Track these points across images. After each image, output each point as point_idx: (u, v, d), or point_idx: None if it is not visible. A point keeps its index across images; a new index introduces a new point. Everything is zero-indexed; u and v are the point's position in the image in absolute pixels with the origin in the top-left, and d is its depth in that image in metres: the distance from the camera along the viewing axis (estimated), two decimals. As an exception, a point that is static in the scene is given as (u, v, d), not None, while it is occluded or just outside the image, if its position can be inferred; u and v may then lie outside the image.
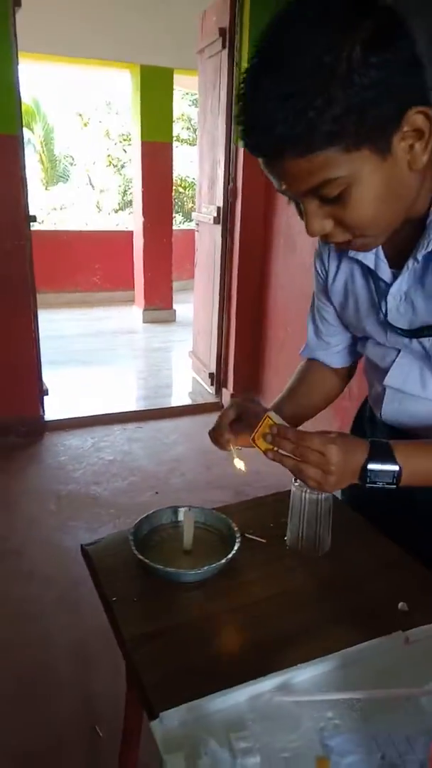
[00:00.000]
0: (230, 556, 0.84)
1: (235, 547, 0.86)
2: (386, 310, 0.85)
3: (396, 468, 0.75)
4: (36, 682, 1.69)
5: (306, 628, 0.77)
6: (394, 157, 0.66)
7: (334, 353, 1.06)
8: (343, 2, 0.61)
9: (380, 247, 0.83)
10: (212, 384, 3.82)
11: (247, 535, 0.95)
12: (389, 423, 0.96)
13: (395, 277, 0.82)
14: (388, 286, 0.84)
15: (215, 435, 0.94)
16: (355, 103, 0.60)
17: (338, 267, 0.94)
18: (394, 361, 0.90)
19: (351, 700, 0.65)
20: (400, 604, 0.81)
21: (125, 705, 1.05)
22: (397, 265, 0.82)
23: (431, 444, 0.80)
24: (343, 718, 0.63)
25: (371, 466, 0.75)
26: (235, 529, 0.91)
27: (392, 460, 0.75)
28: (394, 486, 0.76)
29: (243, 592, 0.84)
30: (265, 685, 0.67)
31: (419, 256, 0.77)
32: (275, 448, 0.78)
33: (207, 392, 3.90)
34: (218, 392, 3.81)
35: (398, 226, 0.74)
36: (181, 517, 0.96)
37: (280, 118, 0.61)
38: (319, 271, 0.98)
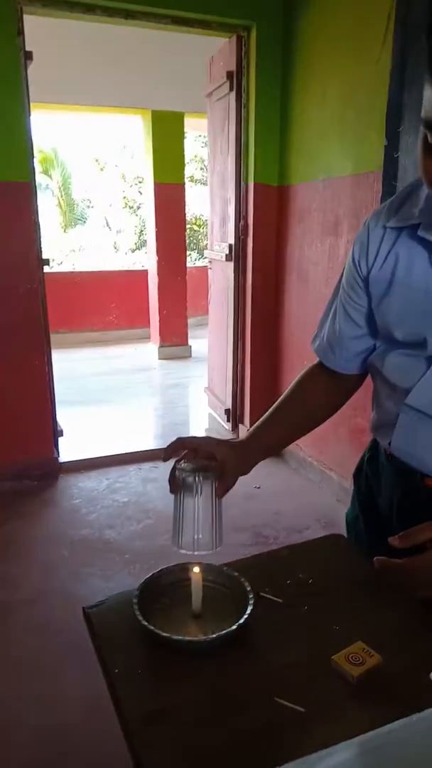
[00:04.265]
0: (241, 621, 0.77)
1: (248, 611, 0.79)
2: None
3: None
4: (50, 742, 1.60)
5: (325, 705, 0.69)
6: None
7: (350, 356, 1.00)
8: None
9: None
10: (228, 420, 3.76)
11: (261, 594, 0.88)
12: (398, 455, 0.89)
13: None
14: None
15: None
16: None
17: (388, 253, 0.86)
18: (424, 374, 0.83)
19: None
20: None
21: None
22: None
23: None
24: None
25: None
26: (248, 588, 0.85)
27: None
28: None
29: (257, 660, 0.77)
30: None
31: None
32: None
33: (223, 428, 3.84)
34: (235, 428, 3.75)
35: None
36: (189, 575, 0.89)
37: None
38: (358, 260, 0.90)
